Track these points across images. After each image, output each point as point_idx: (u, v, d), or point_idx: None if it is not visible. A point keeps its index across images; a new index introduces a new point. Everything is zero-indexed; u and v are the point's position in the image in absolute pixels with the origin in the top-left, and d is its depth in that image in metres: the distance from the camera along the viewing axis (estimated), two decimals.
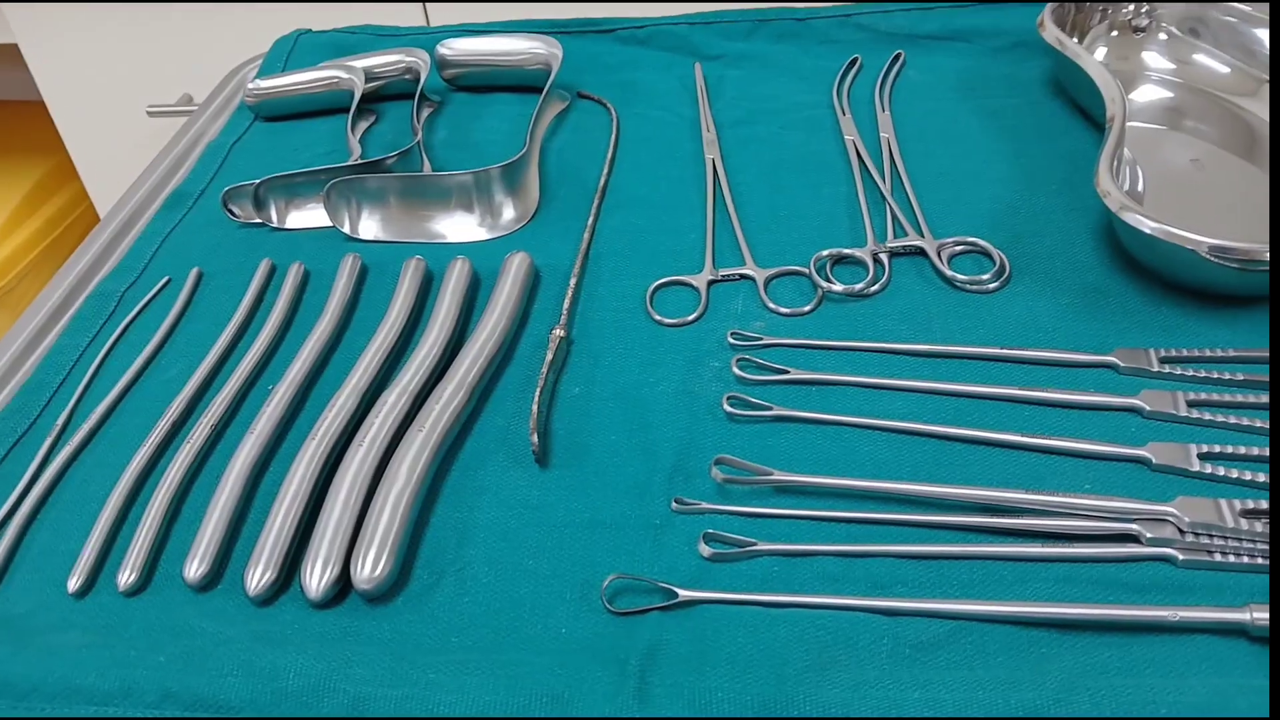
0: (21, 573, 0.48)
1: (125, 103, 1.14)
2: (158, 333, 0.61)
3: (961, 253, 0.60)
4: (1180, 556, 0.43)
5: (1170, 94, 0.71)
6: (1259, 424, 0.48)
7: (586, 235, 0.65)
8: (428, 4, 1.05)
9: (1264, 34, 0.68)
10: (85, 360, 0.60)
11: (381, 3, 1.03)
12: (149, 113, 1.12)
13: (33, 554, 0.49)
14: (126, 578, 0.47)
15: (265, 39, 0.91)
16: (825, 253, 0.61)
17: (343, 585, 0.45)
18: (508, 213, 0.68)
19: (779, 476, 0.48)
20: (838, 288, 0.58)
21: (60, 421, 0.56)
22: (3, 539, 0.49)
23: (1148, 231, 0.52)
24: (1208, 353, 0.52)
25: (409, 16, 1.05)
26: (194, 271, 0.66)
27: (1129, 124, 0.64)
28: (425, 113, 0.81)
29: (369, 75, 0.81)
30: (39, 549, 0.49)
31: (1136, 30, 0.75)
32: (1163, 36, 0.74)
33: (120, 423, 0.56)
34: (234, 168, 0.77)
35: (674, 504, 0.48)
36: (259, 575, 0.45)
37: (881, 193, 0.65)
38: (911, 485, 0.47)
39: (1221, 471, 0.46)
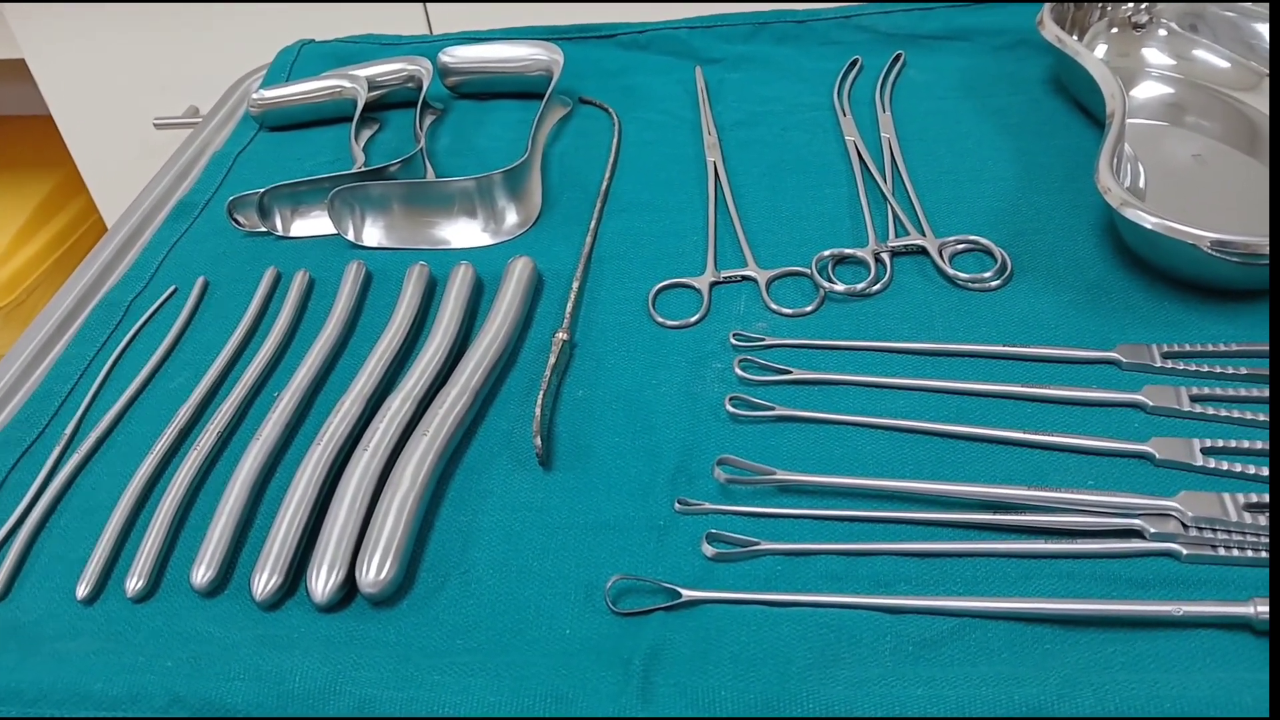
0: (31, 580, 0.49)
1: (132, 115, 1.15)
2: (164, 341, 0.61)
3: (963, 251, 0.61)
4: (1184, 551, 0.43)
5: (1171, 90, 0.71)
6: (1262, 418, 0.48)
7: (589, 239, 0.65)
8: (430, 11, 1.05)
9: (1264, 28, 0.68)
10: (93, 369, 0.61)
11: (385, 2, 1.03)
12: (155, 125, 1.12)
13: (42, 562, 0.50)
14: (134, 584, 0.47)
15: (269, 50, 0.92)
16: (827, 253, 0.61)
17: (348, 589, 0.45)
18: (510, 218, 0.68)
19: (782, 476, 0.48)
20: (839, 288, 0.58)
21: (69, 430, 0.56)
22: (12, 547, 0.50)
23: (1149, 227, 0.52)
24: (1210, 347, 0.52)
25: (411, 25, 1.06)
26: (200, 280, 0.66)
27: (1130, 120, 0.65)
28: (428, 120, 0.81)
29: (372, 84, 0.81)
30: (48, 556, 0.50)
31: (1136, 27, 0.75)
32: (1162, 33, 0.74)
33: (128, 431, 0.56)
34: (239, 177, 0.77)
35: (677, 505, 0.48)
36: (265, 580, 0.46)
37: (883, 193, 0.65)
38: (914, 483, 0.47)
39: (1225, 466, 0.46)
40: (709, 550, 0.45)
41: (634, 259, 0.64)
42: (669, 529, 0.47)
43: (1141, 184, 0.62)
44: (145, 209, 0.76)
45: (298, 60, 0.89)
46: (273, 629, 0.45)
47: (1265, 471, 0.45)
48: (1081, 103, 0.70)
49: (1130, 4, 0.75)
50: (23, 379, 0.62)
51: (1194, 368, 0.51)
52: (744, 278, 0.61)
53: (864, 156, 0.69)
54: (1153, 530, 0.43)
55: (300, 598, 0.46)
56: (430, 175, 0.72)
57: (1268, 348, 0.51)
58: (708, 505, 0.47)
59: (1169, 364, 0.51)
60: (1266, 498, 0.43)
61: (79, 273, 0.71)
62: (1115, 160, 0.57)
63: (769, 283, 0.60)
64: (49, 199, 1.33)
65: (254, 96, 0.83)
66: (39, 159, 1.37)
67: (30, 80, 1.16)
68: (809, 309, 0.58)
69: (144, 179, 0.81)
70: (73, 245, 1.34)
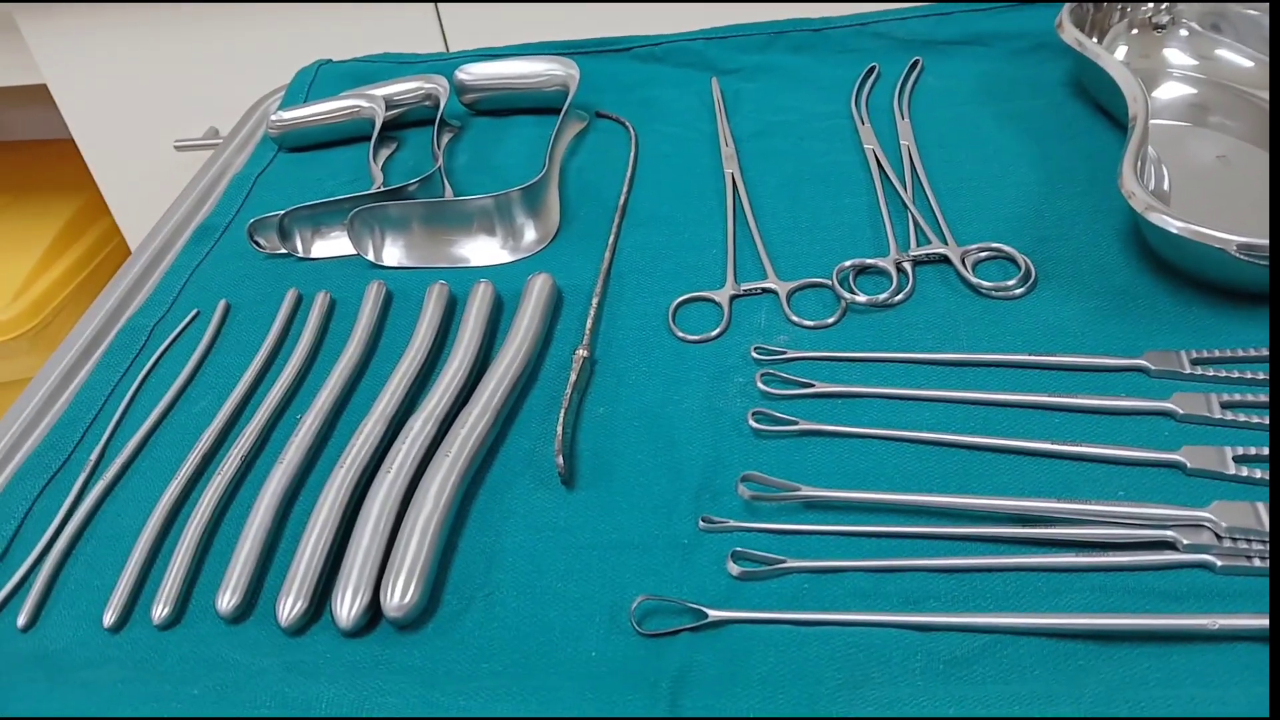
0: (58, 608, 0.49)
1: (153, 138, 1.16)
2: (187, 365, 0.62)
3: (986, 259, 0.60)
4: (1219, 562, 0.42)
5: (1194, 90, 0.70)
6: None
7: (608, 254, 0.65)
8: (446, 28, 1.06)
9: None
10: (117, 395, 0.61)
11: (399, 2, 1.03)
12: (176, 147, 1.13)
13: (68, 589, 0.50)
14: (161, 611, 0.47)
15: (287, 71, 0.92)
16: (848, 263, 0.60)
17: (373, 613, 0.45)
18: (529, 234, 0.68)
19: (806, 492, 0.47)
20: (861, 298, 0.58)
21: (94, 456, 0.56)
22: (39, 575, 0.50)
23: (1174, 231, 0.51)
24: (1240, 353, 0.51)
25: (428, 43, 1.06)
26: (221, 304, 0.66)
27: (1153, 122, 0.64)
28: (446, 138, 0.81)
29: (389, 103, 0.81)
30: (74, 584, 0.50)
31: (1157, 28, 0.74)
32: (1184, 33, 0.73)
33: (152, 456, 0.56)
34: (259, 199, 0.78)
35: (701, 522, 0.47)
36: (290, 605, 0.45)
37: (903, 201, 0.65)
38: (941, 497, 0.46)
39: (1258, 474, 0.45)
40: (734, 569, 0.45)
41: (653, 273, 0.64)
42: (693, 547, 0.47)
43: (1166, 187, 0.62)
44: (167, 233, 0.77)
45: (315, 80, 0.90)
46: (298, 655, 0.45)
47: None
48: (1103, 105, 0.69)
49: (1150, 4, 0.74)
50: (48, 405, 0.62)
51: (1224, 374, 0.50)
52: (764, 290, 0.60)
53: (883, 165, 0.68)
54: (1186, 542, 0.43)
55: (325, 622, 0.46)
56: (449, 194, 0.72)
57: None
58: (732, 523, 0.47)
59: (1198, 370, 0.50)
60: None
61: (102, 297, 0.71)
62: (1139, 163, 0.57)
63: (790, 295, 0.60)
64: (72, 222, 1.34)
65: (273, 118, 0.83)
66: (62, 183, 1.38)
67: (52, 104, 1.17)
68: (831, 321, 0.57)
69: (166, 201, 0.82)
70: (96, 268, 1.35)
